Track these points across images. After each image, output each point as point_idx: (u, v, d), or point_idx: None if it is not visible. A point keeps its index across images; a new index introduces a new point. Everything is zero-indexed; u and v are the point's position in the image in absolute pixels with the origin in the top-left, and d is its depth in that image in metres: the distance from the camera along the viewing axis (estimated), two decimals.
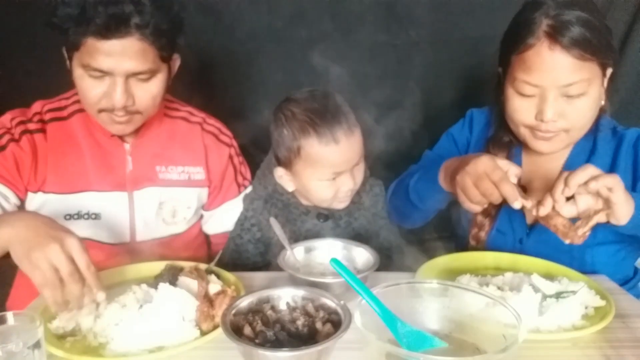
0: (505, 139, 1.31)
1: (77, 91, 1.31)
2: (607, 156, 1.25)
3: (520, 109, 1.19)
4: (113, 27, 1.09)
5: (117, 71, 1.13)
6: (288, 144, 1.25)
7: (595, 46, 1.10)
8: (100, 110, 1.19)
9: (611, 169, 1.24)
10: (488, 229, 1.32)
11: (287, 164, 1.28)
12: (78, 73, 1.17)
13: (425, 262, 1.17)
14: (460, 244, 1.39)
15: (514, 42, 1.16)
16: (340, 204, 1.31)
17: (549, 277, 1.07)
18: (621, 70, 1.65)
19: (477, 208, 1.10)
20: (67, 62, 1.20)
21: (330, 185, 1.25)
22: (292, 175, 1.29)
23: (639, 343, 0.91)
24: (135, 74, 1.16)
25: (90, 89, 1.17)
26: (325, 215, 1.33)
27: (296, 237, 1.30)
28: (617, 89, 1.61)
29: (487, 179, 1.04)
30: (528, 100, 1.17)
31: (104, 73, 1.14)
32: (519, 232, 1.31)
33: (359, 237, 1.32)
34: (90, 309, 0.94)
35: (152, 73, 1.18)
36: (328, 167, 1.22)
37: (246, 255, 1.36)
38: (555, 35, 1.10)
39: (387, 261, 1.29)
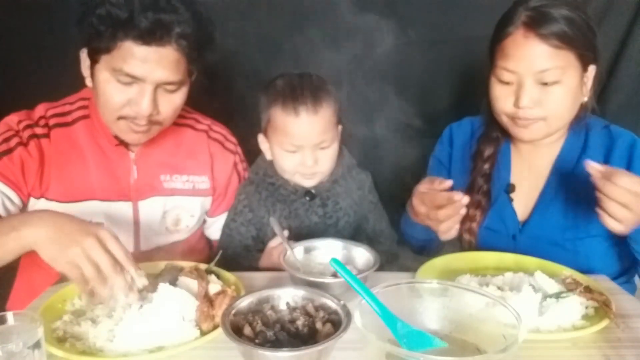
0: (493, 135, 1.36)
1: (83, 96, 1.31)
2: (599, 154, 1.27)
3: (500, 97, 1.24)
4: (157, 34, 1.08)
5: (149, 79, 1.12)
6: (264, 111, 1.33)
7: (571, 38, 1.15)
8: (120, 118, 1.17)
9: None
10: (479, 220, 1.34)
11: (264, 131, 1.36)
12: (104, 77, 1.14)
13: (425, 262, 1.17)
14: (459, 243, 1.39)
15: (497, 32, 1.23)
16: (305, 181, 1.35)
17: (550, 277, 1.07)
18: (621, 72, 1.65)
19: (445, 231, 1.13)
20: (86, 64, 1.18)
21: (290, 157, 1.31)
22: (268, 142, 1.36)
23: (639, 343, 0.91)
24: (165, 84, 1.15)
25: (115, 94, 1.14)
26: (312, 194, 1.38)
27: (286, 216, 1.35)
28: (617, 90, 1.62)
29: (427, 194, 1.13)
30: (507, 87, 1.22)
31: (134, 79, 1.12)
32: (511, 229, 1.32)
33: (348, 216, 1.39)
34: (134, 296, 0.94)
35: (180, 85, 1.18)
36: (287, 136, 1.29)
37: (239, 238, 1.38)
38: (531, 24, 1.16)
39: (383, 253, 1.30)
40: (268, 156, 1.38)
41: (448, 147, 1.47)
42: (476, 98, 1.50)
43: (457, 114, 1.51)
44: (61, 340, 0.90)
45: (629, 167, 1.23)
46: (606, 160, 1.25)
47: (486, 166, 1.36)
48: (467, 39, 1.76)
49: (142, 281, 0.94)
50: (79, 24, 1.12)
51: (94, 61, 1.15)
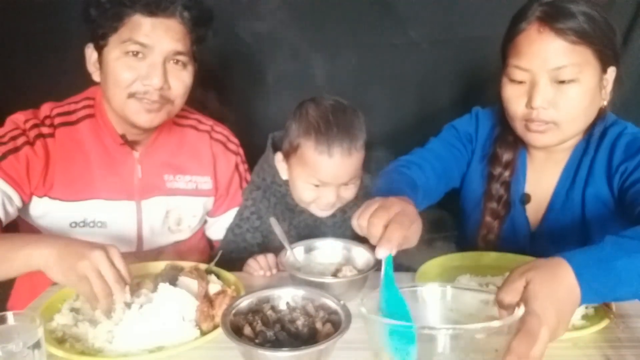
0: (510, 138, 1.30)
1: (88, 95, 1.32)
2: (590, 156, 1.23)
3: (512, 98, 1.18)
4: (162, 4, 1.15)
5: (157, 48, 1.16)
6: (291, 138, 1.29)
7: (590, 35, 1.10)
8: (130, 96, 1.18)
9: (589, 167, 1.23)
10: (497, 232, 1.31)
11: (286, 154, 1.32)
12: (113, 56, 1.17)
13: (425, 262, 1.16)
14: (465, 245, 1.37)
15: (509, 30, 1.18)
16: (321, 212, 1.32)
17: None
18: (621, 71, 1.65)
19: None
20: (93, 59, 1.21)
21: (311, 190, 1.28)
22: (288, 165, 1.33)
23: (639, 343, 0.91)
24: (175, 54, 1.18)
25: (125, 70, 1.17)
26: None
27: (296, 225, 1.32)
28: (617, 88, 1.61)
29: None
30: (519, 87, 1.16)
31: (143, 49, 1.16)
32: (522, 241, 1.30)
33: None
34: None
35: (188, 57, 1.21)
36: (314, 174, 1.25)
37: (243, 245, 1.36)
38: (546, 18, 1.11)
39: None
40: (283, 176, 1.34)
41: (473, 128, 1.40)
42: (475, 99, 1.50)
43: (456, 115, 1.51)
44: (61, 341, 0.90)
45: (608, 162, 1.20)
46: (593, 159, 1.22)
47: (506, 173, 1.30)
48: (467, 39, 1.77)
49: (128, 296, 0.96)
50: (84, 13, 1.17)
51: (101, 48, 1.19)
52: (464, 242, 1.40)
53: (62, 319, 0.95)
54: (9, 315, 0.79)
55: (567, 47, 1.10)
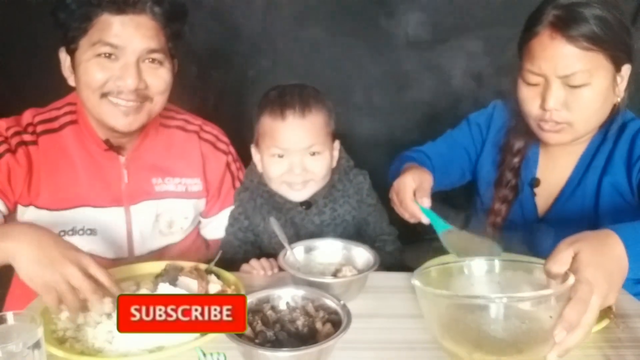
0: (523, 129, 1.31)
1: (69, 101, 1.29)
2: (610, 143, 1.25)
3: (527, 99, 1.20)
4: (130, 0, 1.11)
5: (129, 48, 1.12)
6: (255, 121, 1.32)
7: (602, 39, 1.10)
8: (103, 96, 1.15)
9: (608, 157, 1.24)
10: (505, 215, 1.33)
11: (256, 142, 1.35)
12: (84, 58, 1.13)
13: (425, 262, 1.16)
14: (476, 229, 1.37)
15: (524, 32, 1.19)
16: (293, 192, 1.31)
17: None
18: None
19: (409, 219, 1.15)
20: (67, 64, 1.18)
21: (277, 164, 1.29)
22: (260, 153, 1.34)
23: (639, 343, 0.91)
24: (148, 53, 1.14)
25: (96, 71, 1.13)
26: (308, 202, 1.34)
27: (282, 224, 1.31)
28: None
29: (398, 197, 1.14)
30: (533, 89, 1.18)
31: (114, 50, 1.12)
32: (529, 223, 1.31)
33: (346, 222, 1.36)
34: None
35: (164, 54, 1.17)
36: (273, 140, 1.27)
37: (237, 243, 1.38)
38: (558, 25, 1.11)
39: (387, 255, 1.31)
40: (259, 168, 1.35)
41: (485, 120, 1.43)
42: (475, 99, 1.50)
43: (456, 114, 1.51)
44: (61, 341, 0.90)
45: (629, 157, 1.21)
46: (611, 152, 1.23)
47: (516, 160, 1.33)
48: (467, 39, 1.77)
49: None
50: (53, 15, 1.14)
51: (73, 51, 1.16)
52: (476, 226, 1.40)
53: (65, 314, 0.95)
54: (9, 315, 0.79)
55: (578, 53, 1.10)
